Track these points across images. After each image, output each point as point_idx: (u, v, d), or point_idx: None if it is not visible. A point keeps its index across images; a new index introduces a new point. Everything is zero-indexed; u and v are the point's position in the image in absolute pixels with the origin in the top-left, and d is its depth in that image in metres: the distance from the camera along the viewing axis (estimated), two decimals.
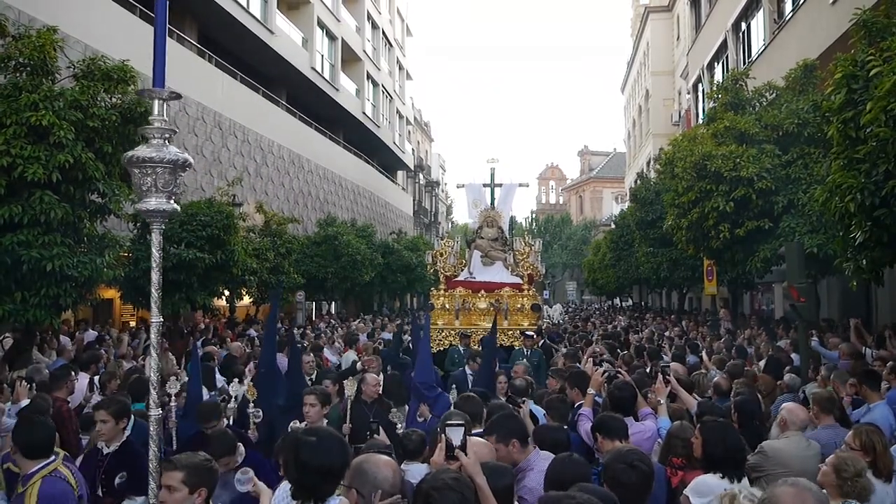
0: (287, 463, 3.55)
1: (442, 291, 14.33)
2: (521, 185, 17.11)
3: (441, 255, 15.24)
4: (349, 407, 6.63)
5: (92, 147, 9.55)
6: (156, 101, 3.34)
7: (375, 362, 9.36)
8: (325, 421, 5.65)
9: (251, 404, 6.25)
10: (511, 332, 13.18)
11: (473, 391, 6.33)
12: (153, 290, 3.28)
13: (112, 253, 10.17)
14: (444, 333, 13.52)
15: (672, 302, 32.42)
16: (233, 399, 6.70)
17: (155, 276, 3.29)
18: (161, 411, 3.26)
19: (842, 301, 16.93)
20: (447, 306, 13.93)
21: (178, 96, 3.53)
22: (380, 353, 11.34)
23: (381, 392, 7.50)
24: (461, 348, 12.12)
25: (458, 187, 18.43)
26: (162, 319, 3.34)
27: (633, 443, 4.62)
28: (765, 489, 4.64)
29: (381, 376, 8.56)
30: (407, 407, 7.40)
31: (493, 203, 16.33)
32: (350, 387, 6.79)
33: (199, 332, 15.74)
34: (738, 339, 13.51)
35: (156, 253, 3.33)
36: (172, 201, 3.32)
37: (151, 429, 3.28)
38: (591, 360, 9.08)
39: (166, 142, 3.27)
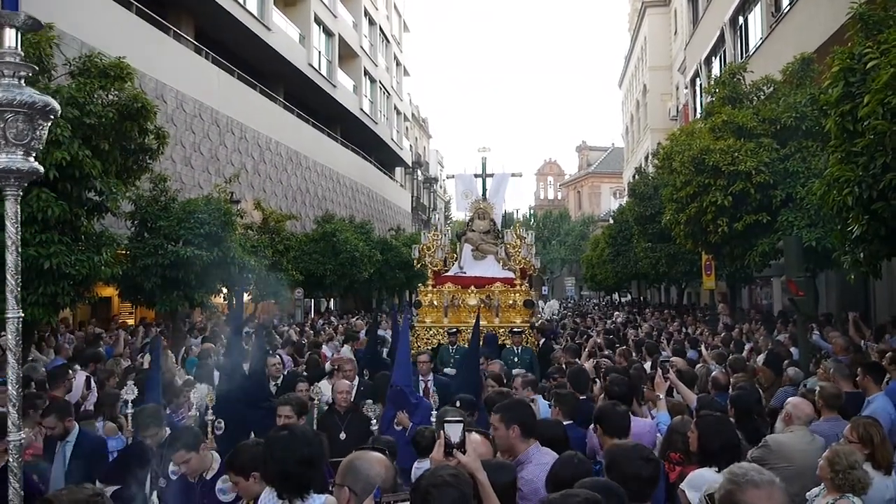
0: (266, 464, 3.56)
1: (430, 287, 13.71)
2: (513, 174, 16.46)
3: (428, 249, 14.46)
4: (315, 416, 6.29)
5: (89, 144, 9.52)
6: (6, 30, 2.50)
7: (350, 364, 8.60)
8: None
9: (209, 411, 5.75)
10: (503, 330, 12.58)
11: (461, 398, 6.07)
12: (9, 277, 2.59)
13: (109, 251, 10.14)
14: (432, 332, 12.95)
15: (671, 297, 32.44)
16: (193, 406, 6.28)
17: (10, 259, 2.61)
18: (23, 435, 2.58)
19: (840, 295, 16.93)
20: (435, 303, 13.35)
21: (37, 25, 2.68)
22: (356, 356, 10.57)
23: (353, 399, 6.97)
24: (450, 347, 11.61)
25: (447, 178, 18.11)
26: (21, 315, 2.69)
27: (634, 438, 4.61)
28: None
29: (358, 380, 8.20)
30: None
31: (484, 194, 15.67)
32: (328, 391, 6.64)
33: (197, 330, 15.74)
34: (735, 333, 13.49)
35: (11, 229, 2.60)
36: (32, 158, 2.58)
37: (11, 458, 2.53)
38: (589, 357, 9.10)
39: (21, 81, 2.53)
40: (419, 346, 12.38)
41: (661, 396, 5.84)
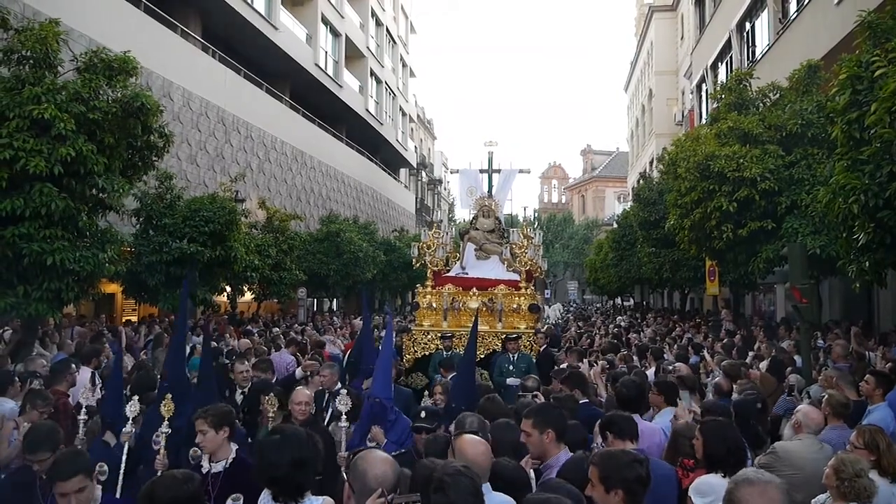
0: (259, 469, 3.58)
1: (429, 289, 12.74)
2: (521, 170, 15.40)
3: (428, 247, 13.45)
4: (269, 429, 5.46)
5: (94, 140, 9.54)
6: None
7: (328, 371, 7.80)
8: (234, 447, 4.61)
9: (165, 422, 5.07)
10: (505, 336, 11.54)
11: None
12: None
13: (113, 247, 10.17)
14: (429, 336, 12.06)
15: (674, 302, 32.39)
16: (129, 422, 5.35)
17: None
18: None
19: (844, 302, 16.90)
20: (434, 305, 12.45)
21: None
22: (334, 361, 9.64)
23: (314, 412, 6.23)
24: (444, 353, 10.80)
25: (451, 173, 17.00)
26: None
27: (645, 444, 4.63)
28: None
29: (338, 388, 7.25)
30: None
31: (490, 191, 14.70)
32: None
33: (199, 328, 15.73)
34: (736, 339, 13.44)
35: None
36: None
37: None
38: (593, 362, 9.06)
39: None
40: (416, 352, 11.91)
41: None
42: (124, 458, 5.04)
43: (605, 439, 4.58)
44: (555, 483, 3.61)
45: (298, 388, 6.37)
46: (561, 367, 9.00)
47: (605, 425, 4.61)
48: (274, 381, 8.26)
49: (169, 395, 5.23)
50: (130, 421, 5.31)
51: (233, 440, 4.68)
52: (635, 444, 4.37)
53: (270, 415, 5.59)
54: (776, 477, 2.91)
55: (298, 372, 8.91)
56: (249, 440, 6.39)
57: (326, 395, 7.39)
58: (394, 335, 7.30)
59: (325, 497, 3.55)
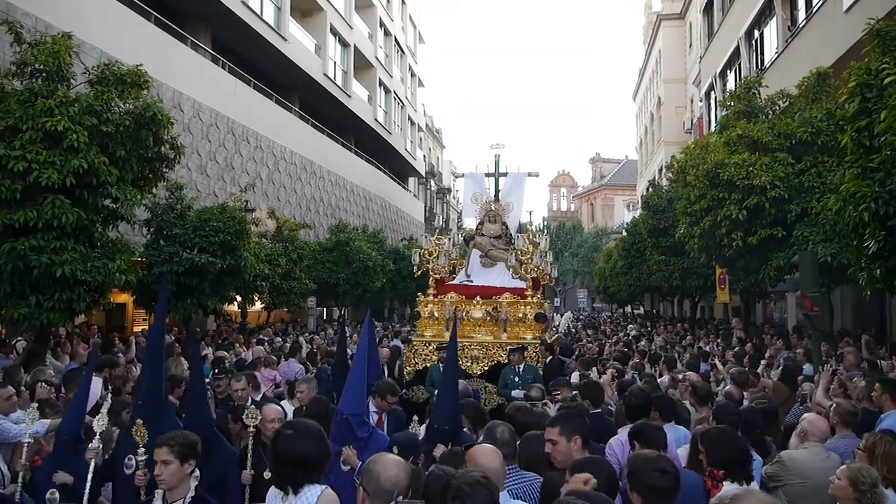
0: (269, 455, 3.64)
1: (431, 297, 12.17)
2: (530, 174, 14.62)
3: (430, 254, 12.90)
4: (250, 449, 5.22)
5: (106, 152, 9.64)
6: None
7: (305, 386, 7.38)
8: (194, 483, 4.00)
9: (141, 450, 4.61)
10: (510, 347, 10.98)
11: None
12: None
13: (124, 258, 10.24)
14: (430, 347, 11.47)
15: (684, 310, 32.28)
16: (96, 437, 5.03)
17: None
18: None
19: (855, 311, 16.81)
20: (436, 315, 11.85)
21: None
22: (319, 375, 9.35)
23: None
24: (440, 366, 10.01)
25: (455, 178, 16.11)
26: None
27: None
28: (782, 499, 4.61)
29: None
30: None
31: (497, 195, 14.04)
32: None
33: (209, 338, 15.80)
34: (748, 347, 13.38)
35: None
36: None
37: None
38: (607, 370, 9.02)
39: None
40: (417, 364, 11.44)
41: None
42: (90, 476, 4.84)
43: (634, 449, 4.59)
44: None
45: (268, 406, 5.85)
46: (559, 378, 8.85)
47: (634, 435, 4.66)
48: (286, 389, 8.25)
49: (140, 421, 4.74)
50: (98, 437, 5.00)
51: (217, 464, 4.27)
52: (663, 454, 4.36)
53: (251, 430, 5.23)
54: (756, 489, 2.97)
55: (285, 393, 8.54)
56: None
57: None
58: (367, 343, 6.20)
59: (324, 487, 3.52)
